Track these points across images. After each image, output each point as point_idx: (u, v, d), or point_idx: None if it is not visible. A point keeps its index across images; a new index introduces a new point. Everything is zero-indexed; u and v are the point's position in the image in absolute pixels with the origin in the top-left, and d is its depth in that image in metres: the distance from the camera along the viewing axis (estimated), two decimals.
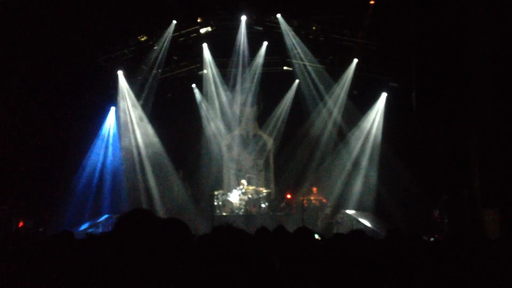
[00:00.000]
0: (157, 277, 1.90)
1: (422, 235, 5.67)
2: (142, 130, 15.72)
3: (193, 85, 16.61)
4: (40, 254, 3.71)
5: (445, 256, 4.14)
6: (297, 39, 15.29)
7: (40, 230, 12.48)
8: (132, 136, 15.67)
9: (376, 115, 15.69)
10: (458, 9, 12.64)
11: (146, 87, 15.51)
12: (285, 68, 16.37)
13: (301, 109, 16.11)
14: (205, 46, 15.85)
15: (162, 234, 2.00)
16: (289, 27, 15.20)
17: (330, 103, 15.97)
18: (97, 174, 14.98)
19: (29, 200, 13.09)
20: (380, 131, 15.50)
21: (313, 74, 15.93)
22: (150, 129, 15.69)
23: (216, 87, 16.40)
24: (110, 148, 15.62)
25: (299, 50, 15.52)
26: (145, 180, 15.39)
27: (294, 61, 15.83)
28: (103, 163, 15.26)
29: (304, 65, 15.90)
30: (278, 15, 15.09)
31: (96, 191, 14.76)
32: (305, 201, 14.68)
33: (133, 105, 15.67)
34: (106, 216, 14.19)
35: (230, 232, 2.31)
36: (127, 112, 15.68)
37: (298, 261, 3.42)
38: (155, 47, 15.16)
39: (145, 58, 15.28)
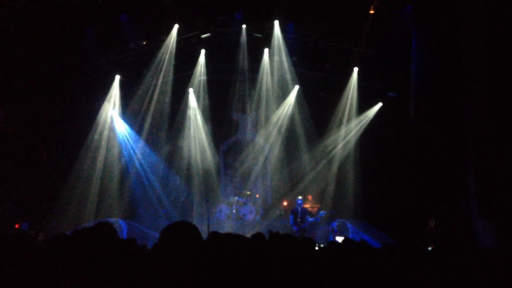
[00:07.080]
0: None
1: (418, 245, 5.70)
2: (136, 137, 15.68)
3: (190, 90, 16.48)
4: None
5: (440, 266, 4.16)
6: (296, 46, 15.34)
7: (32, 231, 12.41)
8: (128, 143, 15.64)
9: (362, 122, 15.78)
10: (456, 19, 12.75)
11: (145, 91, 15.52)
12: (284, 74, 16.38)
13: (300, 116, 16.14)
14: (202, 52, 15.86)
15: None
16: (287, 35, 15.27)
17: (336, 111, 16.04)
18: (96, 178, 14.83)
19: (25, 202, 13.03)
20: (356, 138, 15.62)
21: (311, 81, 15.97)
22: (145, 136, 15.67)
23: (210, 94, 16.34)
24: (108, 153, 15.50)
25: (298, 57, 15.58)
26: (143, 185, 15.37)
27: (293, 68, 15.87)
28: (101, 167, 15.14)
29: (303, 72, 15.93)
30: (276, 22, 15.17)
31: (96, 195, 14.64)
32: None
33: (121, 111, 15.61)
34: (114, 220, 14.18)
35: (228, 238, 2.35)
36: (117, 117, 15.62)
37: (292, 268, 3.44)
38: (155, 52, 15.19)
39: (145, 62, 15.32)
